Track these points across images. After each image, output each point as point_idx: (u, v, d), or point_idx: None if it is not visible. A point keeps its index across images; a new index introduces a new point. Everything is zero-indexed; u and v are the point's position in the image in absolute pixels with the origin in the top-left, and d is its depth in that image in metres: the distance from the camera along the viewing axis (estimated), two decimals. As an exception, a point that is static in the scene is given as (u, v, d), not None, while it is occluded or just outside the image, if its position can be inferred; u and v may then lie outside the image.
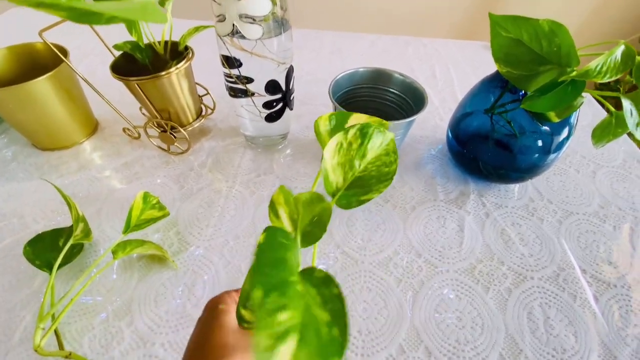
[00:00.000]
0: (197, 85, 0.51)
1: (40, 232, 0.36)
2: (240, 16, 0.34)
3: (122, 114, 0.47)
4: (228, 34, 0.36)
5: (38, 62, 0.47)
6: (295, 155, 0.51)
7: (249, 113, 0.44)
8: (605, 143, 0.37)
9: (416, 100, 0.44)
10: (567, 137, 0.41)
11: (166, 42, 0.46)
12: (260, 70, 0.39)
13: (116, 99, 0.45)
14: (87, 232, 0.35)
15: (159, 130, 0.47)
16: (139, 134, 0.51)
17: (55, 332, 0.31)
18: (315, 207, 0.18)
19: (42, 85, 0.42)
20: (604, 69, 0.28)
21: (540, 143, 0.41)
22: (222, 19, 0.35)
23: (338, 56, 0.75)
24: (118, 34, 0.42)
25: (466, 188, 0.47)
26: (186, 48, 0.45)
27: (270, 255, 0.15)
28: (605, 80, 0.28)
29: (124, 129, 0.52)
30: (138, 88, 0.42)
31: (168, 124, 0.46)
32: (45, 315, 0.31)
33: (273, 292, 0.13)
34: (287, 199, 0.19)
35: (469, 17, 1.09)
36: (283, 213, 0.19)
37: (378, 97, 0.48)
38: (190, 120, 0.50)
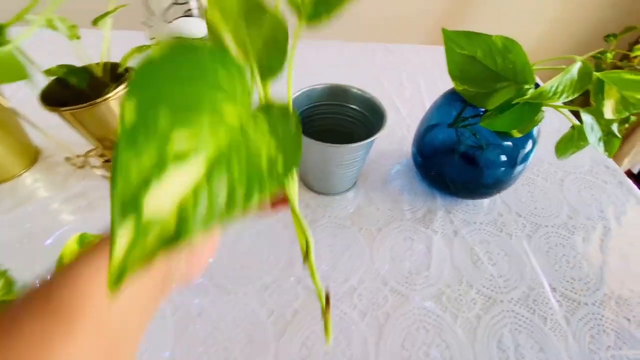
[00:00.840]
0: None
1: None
2: (171, 37, 0.31)
3: (61, 142, 0.43)
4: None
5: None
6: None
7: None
8: (569, 155, 0.36)
9: (376, 116, 0.42)
10: (532, 149, 0.39)
11: (105, 64, 0.42)
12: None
13: (57, 124, 0.41)
14: (8, 289, 0.31)
15: (102, 160, 0.44)
16: (83, 163, 0.47)
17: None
18: (262, 22, 0.14)
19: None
20: (560, 89, 0.27)
21: (504, 157, 0.40)
22: (155, 42, 0.32)
23: (303, 67, 0.72)
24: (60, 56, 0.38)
25: (434, 204, 0.45)
26: (127, 70, 0.42)
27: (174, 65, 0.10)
28: (562, 100, 0.27)
29: (66, 158, 0.47)
30: (73, 118, 0.38)
31: (111, 153, 0.43)
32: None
33: (165, 111, 0.09)
34: (224, 9, 0.14)
35: (438, 23, 1.09)
36: (228, 36, 0.14)
37: (338, 113, 0.46)
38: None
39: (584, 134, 0.32)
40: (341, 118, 0.46)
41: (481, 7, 1.06)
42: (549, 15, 1.09)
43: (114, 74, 0.43)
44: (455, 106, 0.42)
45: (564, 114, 0.34)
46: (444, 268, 0.39)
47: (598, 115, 0.31)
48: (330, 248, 0.40)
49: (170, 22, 0.30)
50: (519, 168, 0.40)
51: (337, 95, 0.44)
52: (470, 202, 0.46)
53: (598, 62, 1.07)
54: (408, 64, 0.74)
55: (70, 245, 0.33)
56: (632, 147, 1.20)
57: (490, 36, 0.29)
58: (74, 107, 0.37)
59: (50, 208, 0.43)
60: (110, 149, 0.43)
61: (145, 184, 0.09)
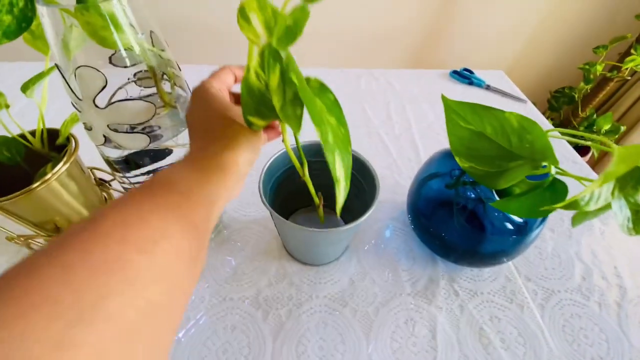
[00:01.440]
0: (94, 171, 0.41)
1: None
2: (110, 126, 0.24)
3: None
4: (103, 144, 0.26)
5: None
6: (231, 249, 0.42)
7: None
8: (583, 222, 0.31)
9: (367, 178, 0.36)
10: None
11: (42, 133, 0.35)
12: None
13: None
14: None
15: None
16: (29, 243, 0.40)
17: None
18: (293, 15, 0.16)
19: None
20: (595, 196, 0.22)
21: (511, 226, 0.35)
22: (88, 127, 0.25)
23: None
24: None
25: (435, 272, 0.40)
26: (68, 139, 0.35)
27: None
28: (599, 206, 0.22)
29: (7, 239, 0.40)
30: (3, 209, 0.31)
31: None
32: None
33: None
34: (262, 5, 0.17)
35: (421, 42, 1.04)
36: (256, 20, 0.17)
37: (323, 169, 0.40)
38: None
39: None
40: (329, 177, 0.40)
41: (461, 22, 1.02)
42: (533, 25, 1.06)
43: (54, 143, 0.36)
44: (455, 163, 0.37)
45: (584, 184, 0.30)
46: (452, 358, 0.34)
47: (628, 194, 0.27)
48: (320, 342, 0.34)
49: (103, 108, 0.23)
50: (534, 234, 0.35)
51: (320, 152, 0.38)
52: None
53: (586, 72, 1.06)
54: (394, 93, 0.69)
55: None
56: (620, 156, 1.19)
57: (503, 112, 0.24)
58: (1, 198, 0.31)
59: None
60: (54, 231, 0.36)
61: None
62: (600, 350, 0.35)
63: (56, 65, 0.22)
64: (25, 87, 0.32)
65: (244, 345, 0.34)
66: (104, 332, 0.12)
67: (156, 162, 0.32)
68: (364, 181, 0.37)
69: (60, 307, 0.11)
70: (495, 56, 1.10)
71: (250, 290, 0.38)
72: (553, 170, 0.26)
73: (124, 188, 0.34)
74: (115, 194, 0.43)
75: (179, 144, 0.32)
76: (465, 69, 0.75)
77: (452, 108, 0.26)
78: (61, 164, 0.33)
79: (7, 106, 0.33)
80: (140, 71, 0.27)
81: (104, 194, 0.43)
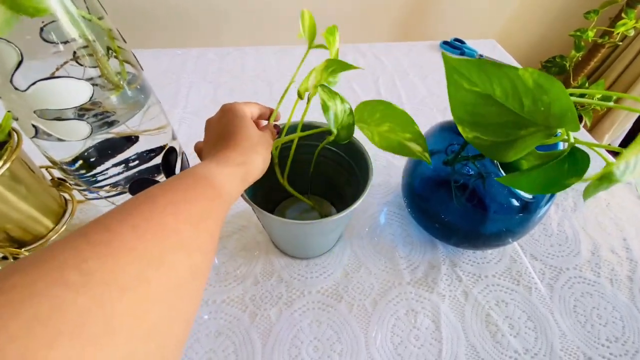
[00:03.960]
0: (50, 171, 0.36)
1: None
2: (38, 112, 0.20)
3: None
4: (35, 137, 0.22)
5: None
6: (219, 241, 0.38)
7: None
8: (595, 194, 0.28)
9: (359, 162, 0.33)
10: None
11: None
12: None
13: None
14: None
15: (-2, 256, 0.32)
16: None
17: None
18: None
19: None
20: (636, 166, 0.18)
21: (516, 202, 0.32)
22: (14, 117, 0.21)
23: (263, 79, 0.61)
24: None
25: (435, 257, 0.37)
26: (9, 134, 0.30)
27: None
28: (635, 176, 0.18)
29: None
30: None
31: (7, 250, 0.31)
32: None
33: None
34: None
35: (408, 13, 0.98)
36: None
37: (312, 153, 0.36)
38: (50, 225, 0.35)
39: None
40: (319, 161, 0.36)
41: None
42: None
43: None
44: (455, 137, 0.34)
45: (600, 154, 0.27)
46: (459, 350, 0.31)
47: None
48: (315, 342, 0.31)
49: (24, 90, 0.19)
50: (542, 211, 0.32)
51: (314, 135, 0.34)
52: (477, 248, 0.38)
53: (578, 40, 1.02)
54: (383, 67, 0.65)
55: None
56: (612, 124, 1.18)
57: (516, 69, 0.20)
58: None
59: None
60: (5, 242, 0.31)
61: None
62: (615, 329, 0.33)
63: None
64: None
65: (230, 352, 0.30)
66: (166, 278, 0.14)
67: (121, 153, 0.27)
68: (356, 165, 0.34)
69: (134, 253, 0.14)
70: (486, 26, 1.06)
71: (235, 290, 0.34)
72: (571, 137, 0.22)
73: (87, 198, 0.30)
74: (78, 195, 0.39)
75: (140, 130, 0.27)
76: (456, 39, 0.71)
77: (454, 67, 0.22)
78: (0, 163, 0.28)
79: None
80: (82, 47, 0.22)
81: (65, 194, 0.38)
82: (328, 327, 0.32)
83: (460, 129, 0.24)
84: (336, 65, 0.28)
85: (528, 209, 0.32)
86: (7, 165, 0.28)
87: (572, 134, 0.22)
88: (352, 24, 0.94)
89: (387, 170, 0.46)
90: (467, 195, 0.35)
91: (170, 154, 0.32)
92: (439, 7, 0.98)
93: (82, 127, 0.21)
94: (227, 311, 0.33)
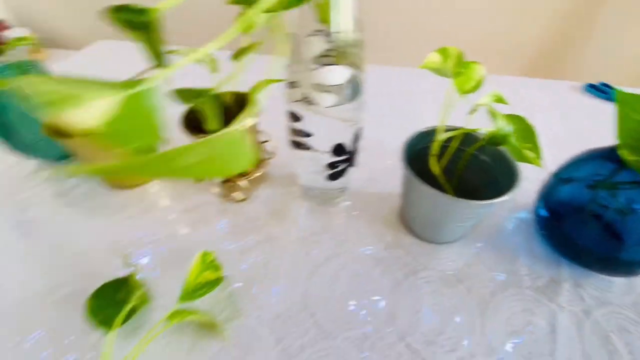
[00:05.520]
0: (259, 133, 0.50)
1: (102, 284, 0.37)
2: (314, 85, 0.31)
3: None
4: (297, 101, 0.33)
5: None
6: (355, 212, 0.47)
7: (310, 168, 0.42)
8: None
9: (504, 170, 0.38)
10: None
11: (233, 94, 0.45)
12: (329, 131, 0.37)
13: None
14: (144, 300, 0.34)
15: (220, 180, 0.47)
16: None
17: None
18: None
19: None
20: None
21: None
22: (293, 86, 0.33)
23: (407, 97, 0.70)
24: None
25: (558, 274, 0.40)
26: (254, 102, 0.44)
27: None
28: None
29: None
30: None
31: (233, 176, 0.46)
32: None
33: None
34: None
35: (551, 51, 0.98)
36: None
37: (458, 158, 0.43)
38: (248, 171, 0.49)
39: None
40: (465, 166, 0.43)
41: (598, 36, 0.93)
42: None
43: (242, 103, 0.46)
44: (604, 165, 0.37)
45: None
46: (574, 356, 0.33)
47: None
48: (436, 307, 0.37)
49: (315, 69, 0.30)
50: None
51: (463, 140, 0.41)
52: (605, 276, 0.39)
53: None
54: (522, 101, 0.68)
55: (196, 263, 0.36)
56: None
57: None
58: (203, 135, 0.41)
59: (169, 218, 0.48)
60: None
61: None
62: None
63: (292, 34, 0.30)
64: (236, 56, 0.42)
65: (363, 292, 0.38)
66: None
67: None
68: (499, 171, 0.39)
69: None
70: (635, 75, 0.98)
71: (370, 249, 0.42)
72: None
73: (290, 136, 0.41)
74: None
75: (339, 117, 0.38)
76: (604, 84, 0.70)
77: (625, 100, 0.27)
78: (248, 120, 0.42)
79: (218, 72, 0.44)
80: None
81: (262, 152, 0.52)
82: (448, 299, 0.38)
83: (621, 153, 0.28)
84: (497, 97, 0.34)
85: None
86: (253, 122, 0.42)
87: None
88: (493, 56, 0.98)
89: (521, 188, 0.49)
90: (604, 225, 0.37)
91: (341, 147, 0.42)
92: (584, 49, 0.96)
93: (332, 98, 0.32)
94: (362, 264, 0.41)
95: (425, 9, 1.06)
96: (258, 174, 0.49)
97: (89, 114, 0.12)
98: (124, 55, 0.74)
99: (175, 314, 0.33)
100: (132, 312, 0.36)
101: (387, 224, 0.45)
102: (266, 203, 0.49)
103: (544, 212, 0.41)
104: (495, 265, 0.41)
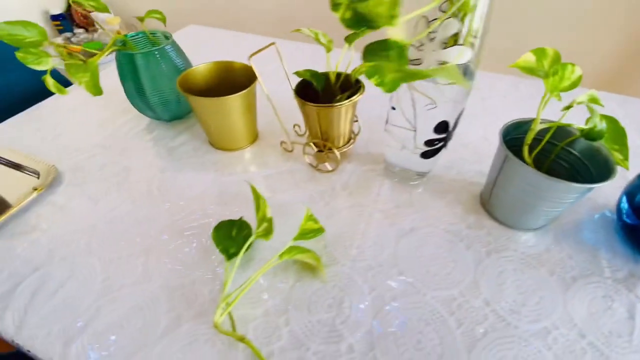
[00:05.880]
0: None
1: (220, 221, 0.43)
2: (439, 63, 0.36)
3: (287, 130, 0.53)
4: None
5: (231, 76, 0.57)
6: (435, 193, 0.51)
7: (407, 145, 0.46)
8: None
9: (598, 168, 0.40)
10: None
11: (339, 74, 0.50)
12: (436, 109, 0.41)
13: (286, 114, 0.52)
14: (268, 231, 0.39)
15: (316, 150, 0.52)
16: (293, 149, 0.57)
17: (229, 314, 0.36)
18: None
19: (235, 100, 0.50)
20: None
21: None
22: (417, 63, 0.37)
23: (481, 95, 0.73)
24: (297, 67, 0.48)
25: (636, 270, 0.41)
26: (357, 82, 0.50)
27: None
28: None
29: (281, 142, 0.58)
30: (314, 113, 0.47)
31: (326, 145, 0.51)
32: (225, 297, 0.36)
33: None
34: None
35: (609, 66, 0.97)
36: None
37: (549, 152, 0.45)
38: (341, 143, 0.54)
39: None
40: (554, 160, 0.45)
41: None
42: None
43: (345, 83, 0.51)
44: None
45: None
46: (655, 342, 0.35)
47: None
48: (517, 283, 0.40)
49: (443, 48, 0.35)
50: None
51: (555, 134, 0.44)
52: (689, 279, 0.40)
53: None
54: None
55: (307, 213, 0.41)
56: None
57: None
58: (320, 104, 0.46)
59: (265, 179, 0.53)
60: (326, 141, 0.51)
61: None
62: None
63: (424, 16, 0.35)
64: (349, 40, 0.47)
65: (448, 259, 0.42)
66: None
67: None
68: (591, 165, 0.41)
69: None
70: None
71: (453, 227, 0.46)
72: None
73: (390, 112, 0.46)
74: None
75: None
76: (687, 107, 0.69)
77: None
78: (355, 97, 0.47)
79: (331, 49, 0.50)
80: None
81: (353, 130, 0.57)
82: (530, 278, 0.40)
83: None
84: (593, 97, 0.37)
85: None
86: (358, 98, 0.47)
87: None
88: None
89: (597, 190, 0.51)
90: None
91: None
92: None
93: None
94: (447, 238, 0.44)
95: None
96: (347, 148, 0.54)
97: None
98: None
99: (290, 249, 0.38)
100: (247, 247, 0.42)
101: (467, 207, 0.49)
102: (351, 176, 0.54)
103: (626, 211, 0.43)
104: (576, 254, 0.43)
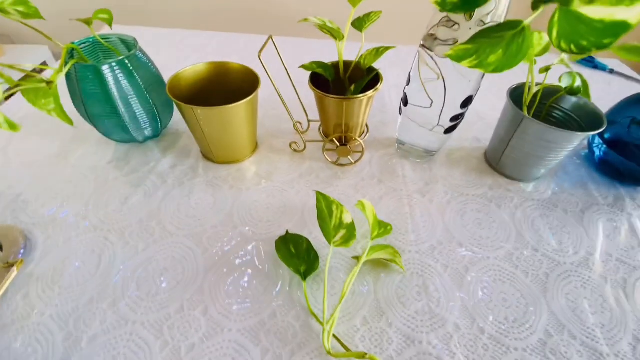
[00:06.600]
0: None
1: (275, 241, 0.39)
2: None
3: (299, 129, 0.50)
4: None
5: (224, 79, 0.50)
6: (448, 165, 0.55)
7: (427, 123, 0.48)
8: None
9: (589, 118, 0.48)
10: None
11: (346, 64, 0.49)
12: (460, 87, 0.43)
13: (278, 115, 0.48)
14: (348, 238, 0.36)
15: (339, 145, 0.51)
16: (305, 147, 0.54)
17: (334, 336, 0.34)
18: None
19: (243, 106, 0.45)
20: None
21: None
22: (451, 42, 0.39)
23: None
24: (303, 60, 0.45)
25: (618, 193, 0.52)
26: (371, 71, 0.49)
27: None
28: None
29: (290, 143, 0.55)
30: (336, 105, 0.45)
31: (349, 137, 0.50)
32: (329, 320, 0.33)
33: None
34: None
35: None
36: None
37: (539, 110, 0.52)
38: (359, 134, 0.53)
39: None
40: (546, 117, 0.52)
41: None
42: None
43: (354, 73, 0.50)
44: (637, 108, 0.49)
45: None
46: (652, 245, 0.45)
47: None
48: (548, 226, 0.46)
49: (480, 26, 0.37)
50: None
51: (549, 95, 0.50)
52: (650, 191, 0.52)
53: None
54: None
55: (372, 212, 0.40)
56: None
57: None
58: (339, 96, 0.45)
59: (287, 185, 0.50)
60: (343, 134, 0.50)
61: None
62: None
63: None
64: (356, 25, 0.46)
65: (490, 222, 0.46)
66: None
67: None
68: (580, 118, 0.49)
69: None
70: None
71: (480, 191, 0.50)
72: None
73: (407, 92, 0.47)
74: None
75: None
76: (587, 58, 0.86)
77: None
78: (373, 90, 0.46)
79: (343, 38, 0.47)
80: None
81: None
82: (554, 219, 0.47)
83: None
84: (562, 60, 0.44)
85: None
86: (377, 90, 0.47)
87: None
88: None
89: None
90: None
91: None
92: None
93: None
94: (480, 202, 0.49)
95: None
96: (365, 137, 0.54)
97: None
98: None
99: (374, 248, 0.37)
100: (314, 259, 0.39)
101: (480, 171, 0.54)
102: (371, 164, 0.54)
103: (599, 146, 0.53)
104: (574, 190, 0.51)
